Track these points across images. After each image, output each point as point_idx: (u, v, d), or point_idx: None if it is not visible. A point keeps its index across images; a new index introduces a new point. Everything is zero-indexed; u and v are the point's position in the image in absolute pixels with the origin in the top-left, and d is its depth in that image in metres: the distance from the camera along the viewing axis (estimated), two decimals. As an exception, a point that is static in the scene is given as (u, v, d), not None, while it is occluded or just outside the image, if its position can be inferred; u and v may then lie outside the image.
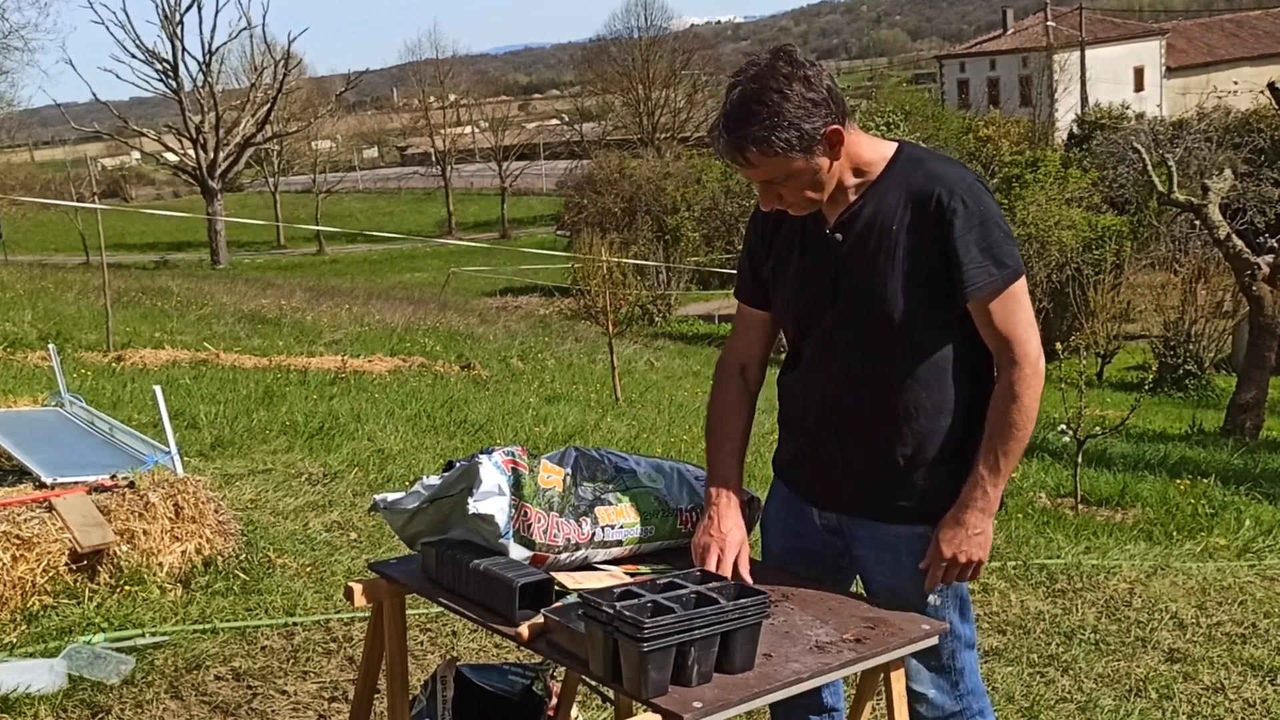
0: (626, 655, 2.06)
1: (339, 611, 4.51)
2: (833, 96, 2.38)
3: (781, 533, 2.72)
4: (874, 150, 2.51)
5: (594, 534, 2.54)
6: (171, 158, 45.72)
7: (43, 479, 4.92)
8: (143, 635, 4.20)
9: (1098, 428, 9.29)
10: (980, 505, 2.47)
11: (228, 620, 4.39)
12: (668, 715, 2.02)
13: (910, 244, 2.44)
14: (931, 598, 2.56)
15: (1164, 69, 50.19)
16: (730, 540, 2.52)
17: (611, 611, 2.07)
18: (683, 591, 2.18)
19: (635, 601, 2.12)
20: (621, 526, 2.57)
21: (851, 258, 2.50)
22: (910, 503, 2.55)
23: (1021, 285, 2.47)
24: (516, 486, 2.47)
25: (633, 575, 2.53)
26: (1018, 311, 2.46)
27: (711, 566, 2.46)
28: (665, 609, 2.09)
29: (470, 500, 2.43)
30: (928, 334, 2.48)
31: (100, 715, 3.72)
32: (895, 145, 2.54)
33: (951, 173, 2.47)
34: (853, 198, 2.51)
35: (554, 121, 68.70)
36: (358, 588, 2.59)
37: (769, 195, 2.47)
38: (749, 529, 2.76)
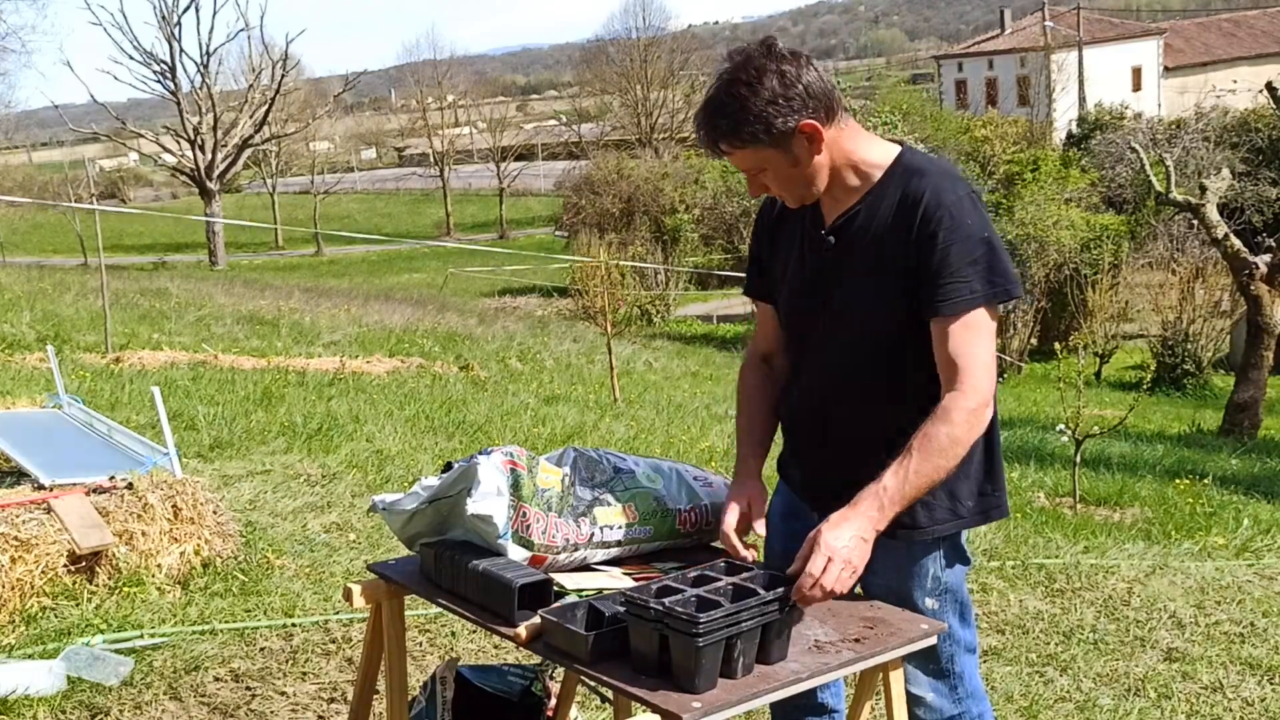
0: (681, 651, 2.04)
1: (338, 612, 4.51)
2: (812, 92, 2.35)
3: (782, 534, 2.71)
4: (877, 152, 2.47)
5: (593, 534, 2.54)
6: (169, 159, 45.69)
7: (41, 480, 4.92)
8: (141, 637, 4.20)
9: (1096, 427, 9.28)
10: (871, 514, 2.29)
11: (226, 622, 4.39)
12: (667, 715, 2.02)
13: (897, 255, 2.40)
14: (930, 601, 2.53)
15: (1161, 69, 50.21)
16: (742, 500, 2.56)
17: (661, 608, 2.06)
18: (719, 584, 2.19)
19: (679, 596, 2.12)
20: (620, 527, 2.57)
21: (841, 263, 2.48)
22: (899, 517, 2.44)
23: (993, 316, 2.39)
24: (515, 487, 2.47)
25: (633, 575, 2.53)
26: (978, 341, 2.36)
27: (729, 524, 2.50)
28: (711, 603, 2.09)
29: (469, 501, 2.42)
30: (911, 349, 2.42)
31: (99, 716, 3.71)
32: (898, 150, 2.50)
33: (943, 185, 2.41)
34: (853, 200, 2.47)
35: (552, 122, 68.74)
36: (357, 589, 2.59)
37: (754, 183, 2.49)
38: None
